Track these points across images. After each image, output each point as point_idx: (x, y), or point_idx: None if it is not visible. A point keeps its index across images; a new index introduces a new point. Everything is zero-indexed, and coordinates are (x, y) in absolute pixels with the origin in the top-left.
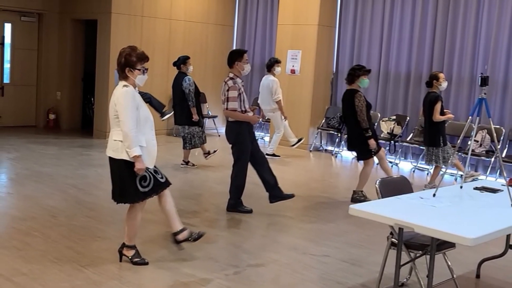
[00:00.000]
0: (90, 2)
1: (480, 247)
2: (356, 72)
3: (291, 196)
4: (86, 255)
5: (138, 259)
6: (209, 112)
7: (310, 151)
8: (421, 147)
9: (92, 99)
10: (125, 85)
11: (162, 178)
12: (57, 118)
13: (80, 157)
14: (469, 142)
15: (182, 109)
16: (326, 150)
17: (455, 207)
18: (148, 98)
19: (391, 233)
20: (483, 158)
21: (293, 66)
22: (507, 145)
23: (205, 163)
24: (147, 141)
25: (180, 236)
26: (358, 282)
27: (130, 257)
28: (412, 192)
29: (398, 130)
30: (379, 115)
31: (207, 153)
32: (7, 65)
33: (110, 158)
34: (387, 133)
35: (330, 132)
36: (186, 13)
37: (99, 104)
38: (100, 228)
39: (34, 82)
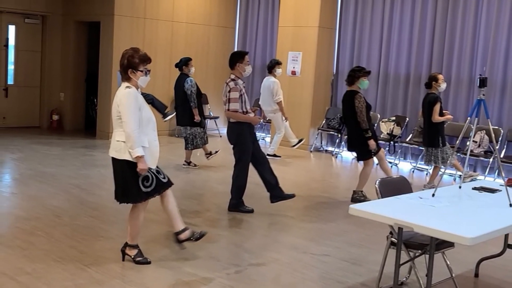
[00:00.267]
0: (93, 4)
1: (479, 247)
2: (356, 73)
3: (291, 196)
4: (89, 254)
5: (141, 258)
6: (211, 113)
7: (311, 151)
8: (421, 148)
9: (95, 100)
10: (127, 86)
11: (164, 178)
12: (61, 119)
13: (83, 157)
14: (467, 143)
15: (184, 110)
16: (326, 150)
17: (454, 207)
18: (150, 99)
19: (391, 233)
20: (481, 158)
21: (293, 67)
22: (505, 146)
23: (207, 164)
24: (150, 141)
25: (182, 236)
26: (358, 281)
27: (132, 257)
28: (412, 192)
29: (397, 130)
30: (379, 116)
31: (208, 154)
32: (11, 67)
33: (113, 159)
34: (387, 133)
35: (330, 132)
36: (188, 15)
37: (102, 105)
38: (103, 227)
39: (37, 83)
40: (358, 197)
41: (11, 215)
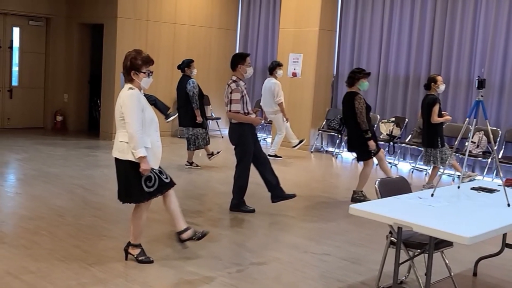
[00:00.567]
0: (97, 7)
1: (477, 246)
2: (356, 75)
3: (292, 196)
4: (92, 253)
5: (143, 258)
6: (213, 114)
7: (311, 152)
8: (420, 148)
9: (99, 101)
10: (130, 88)
11: (166, 178)
12: (64, 120)
13: (87, 158)
14: (466, 143)
15: (186, 111)
16: (326, 151)
17: (453, 207)
18: (153, 101)
19: (390, 232)
20: (480, 159)
21: (294, 69)
22: (503, 146)
23: (209, 164)
24: (152, 142)
25: (184, 235)
26: (358, 280)
27: (135, 256)
28: (411, 192)
29: (397, 131)
30: (379, 117)
31: (210, 154)
32: (15, 68)
33: (116, 159)
34: (386, 134)
35: (331, 133)
36: (190, 17)
37: (105, 106)
38: (106, 227)
39: (42, 84)
40: (358, 197)
41: (15, 215)
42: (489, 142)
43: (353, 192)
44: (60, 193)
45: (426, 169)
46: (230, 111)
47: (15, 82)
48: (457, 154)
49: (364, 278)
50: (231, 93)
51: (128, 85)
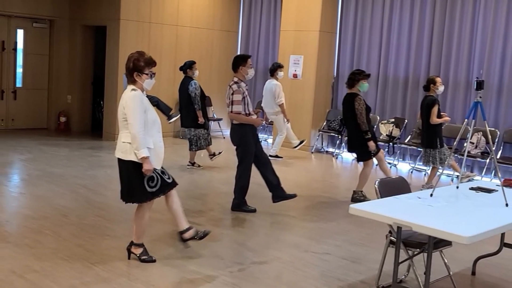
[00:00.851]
0: (100, 9)
1: (476, 245)
2: (356, 76)
3: (293, 196)
4: (95, 253)
5: (146, 257)
6: (214, 115)
7: (312, 152)
8: (419, 149)
9: (102, 102)
10: (133, 89)
11: (169, 178)
12: (68, 120)
13: (90, 158)
14: (465, 144)
15: (188, 112)
16: (327, 151)
17: (452, 207)
18: (155, 102)
19: (390, 232)
20: (478, 159)
21: (295, 70)
22: (501, 147)
23: (211, 164)
24: (155, 143)
25: (186, 235)
26: (358, 279)
27: (138, 255)
28: (410, 192)
29: (396, 132)
30: (378, 118)
31: (212, 155)
32: (19, 70)
33: (119, 160)
34: (386, 135)
35: (331, 134)
36: (192, 19)
37: (108, 107)
38: (109, 227)
39: (45, 86)
40: (358, 197)
41: (19, 215)
42: (487, 142)
43: (353, 192)
44: (63, 193)
45: (425, 170)
46: (231, 112)
47: (19, 84)
48: (456, 155)
49: (364, 277)
50: (232, 94)
51: (131, 87)
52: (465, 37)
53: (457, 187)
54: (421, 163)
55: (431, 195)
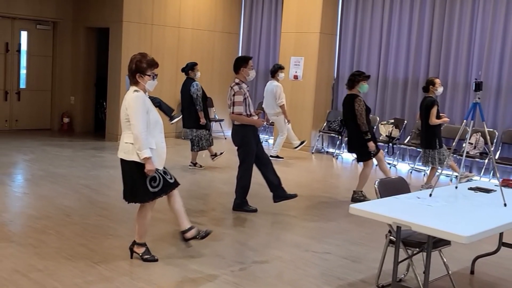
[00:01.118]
0: (103, 11)
1: (474, 245)
2: (356, 77)
3: (294, 196)
4: (98, 252)
5: (148, 256)
6: (216, 116)
7: (312, 153)
8: (418, 149)
9: (104, 103)
10: (136, 90)
11: (171, 178)
12: (71, 121)
13: (93, 158)
14: (464, 145)
15: (190, 113)
16: (327, 152)
17: (451, 207)
18: (157, 103)
19: (390, 231)
20: (477, 159)
21: (296, 72)
22: (500, 148)
23: (212, 165)
24: (157, 143)
25: (188, 234)
26: (358, 278)
27: (140, 254)
28: (410, 192)
29: (396, 133)
30: (378, 118)
31: (214, 155)
32: (23, 71)
33: (122, 160)
34: (386, 136)
35: (331, 135)
36: (194, 21)
37: (111, 108)
38: (112, 226)
39: (49, 87)
40: (358, 197)
41: (23, 214)
42: (486, 143)
43: (353, 192)
44: (67, 193)
45: (424, 170)
46: (233, 113)
47: (23, 85)
48: (454, 155)
49: (364, 276)
50: (234, 95)
51: (134, 88)
52: (464, 39)
53: (456, 187)
54: (421, 164)
55: (430, 195)
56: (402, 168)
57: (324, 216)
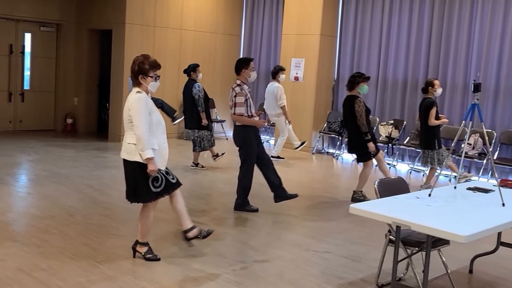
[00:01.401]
0: (106, 13)
1: (473, 244)
2: (356, 79)
3: (294, 196)
4: (101, 251)
5: (151, 255)
6: (218, 117)
7: (313, 153)
8: (417, 150)
9: (107, 104)
10: (138, 91)
11: (173, 179)
12: (74, 122)
13: (96, 159)
14: (462, 145)
15: (192, 114)
16: (327, 152)
17: (450, 206)
18: (160, 104)
19: (389, 231)
20: (475, 160)
21: (296, 73)
22: (498, 148)
23: (214, 165)
24: (159, 144)
25: (190, 234)
26: (358, 277)
27: (143, 254)
28: (409, 192)
29: (395, 133)
30: (378, 119)
31: (215, 156)
32: (27, 73)
33: (124, 160)
34: (385, 136)
35: (332, 135)
36: (196, 23)
37: (113, 109)
38: (114, 226)
39: (52, 88)
40: (358, 197)
41: (27, 214)
42: (484, 144)
43: (353, 192)
44: (70, 193)
45: (423, 170)
46: (234, 114)
47: (26, 86)
48: (453, 156)
49: (364, 275)
50: (235, 96)
51: (136, 89)
52: (463, 41)
53: (455, 187)
54: (420, 164)
55: (430, 195)
56: (402, 168)
57: (325, 215)
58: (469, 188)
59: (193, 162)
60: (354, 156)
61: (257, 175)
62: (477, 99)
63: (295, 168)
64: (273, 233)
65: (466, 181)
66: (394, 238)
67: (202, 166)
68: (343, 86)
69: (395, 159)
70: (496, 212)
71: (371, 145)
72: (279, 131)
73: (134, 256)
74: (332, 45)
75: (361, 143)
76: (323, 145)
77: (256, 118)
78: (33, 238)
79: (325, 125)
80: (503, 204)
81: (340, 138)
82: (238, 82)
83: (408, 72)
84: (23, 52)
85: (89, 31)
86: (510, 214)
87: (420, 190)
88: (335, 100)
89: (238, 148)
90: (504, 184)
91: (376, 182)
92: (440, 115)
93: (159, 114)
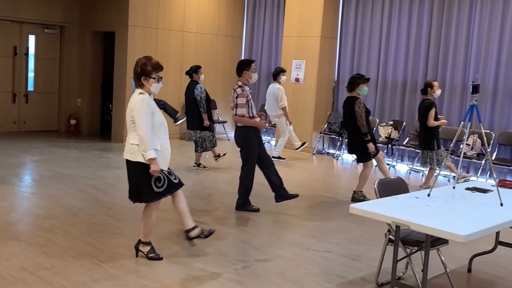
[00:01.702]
0: (109, 16)
1: (472, 243)
2: (356, 80)
3: (295, 196)
4: (104, 251)
5: (153, 255)
6: (219, 118)
7: (313, 154)
8: (417, 150)
9: (110, 105)
10: (141, 93)
11: (175, 179)
12: (78, 123)
13: (99, 159)
14: (461, 146)
15: (194, 115)
16: (328, 153)
17: (448, 206)
18: (162, 105)
19: (389, 230)
20: (474, 160)
21: (297, 75)
22: (496, 149)
23: (216, 165)
24: (162, 144)
25: (192, 233)
26: (358, 276)
27: (145, 253)
28: (408, 192)
29: (395, 134)
30: (378, 120)
31: (217, 156)
32: (31, 74)
33: (127, 161)
34: (385, 137)
35: (332, 136)
36: (198, 25)
37: (116, 110)
38: (117, 225)
39: (56, 89)
40: (358, 197)
41: (31, 214)
42: (483, 144)
43: (353, 192)
44: (73, 193)
45: (422, 170)
46: (236, 115)
47: (30, 87)
48: (452, 156)
49: (363, 274)
50: (236, 97)
51: (139, 90)
52: (461, 43)
53: (454, 187)
54: (419, 164)
55: (429, 195)
56: (401, 168)
57: (325, 215)
58: (467, 188)
59: (195, 163)
60: (354, 156)
61: (258, 176)
62: (476, 100)
63: (296, 168)
64: (274, 232)
65: (465, 181)
66: (393, 238)
67: (204, 167)
68: (343, 88)
69: (394, 159)
70: (494, 212)
71: (371, 146)
72: (280, 132)
73: (136, 255)
74: (332, 47)
75: (361, 144)
76: (323, 146)
77: (257, 119)
78: (37, 237)
79: (326, 126)
80: (501, 204)
81: (340, 139)
82: (240, 83)
83: (407, 74)
84: (27, 54)
85: (92, 33)
86: (508, 214)
87: (419, 190)
88: (335, 101)
89: (239, 148)
90: (502, 184)
91: (376, 182)
92: (439, 116)
93: (162, 115)
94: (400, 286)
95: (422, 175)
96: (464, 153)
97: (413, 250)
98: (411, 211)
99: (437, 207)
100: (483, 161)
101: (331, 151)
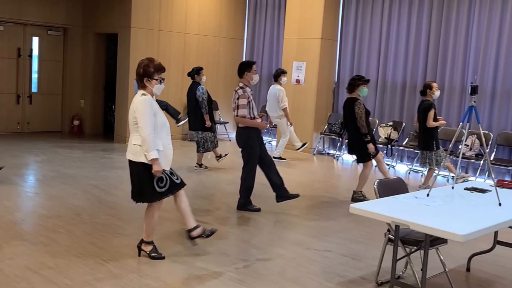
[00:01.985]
0: (111, 18)
1: (470, 243)
2: (356, 81)
3: (296, 196)
4: (107, 250)
5: (155, 254)
6: (221, 119)
7: (314, 154)
8: (416, 151)
9: (113, 106)
10: (143, 94)
11: (177, 179)
12: (81, 124)
13: (102, 160)
14: (460, 146)
15: (196, 116)
16: (328, 153)
17: (447, 206)
18: (164, 106)
19: (388, 230)
20: (473, 161)
21: (298, 76)
22: (495, 149)
23: (217, 166)
24: (164, 145)
25: (194, 233)
26: (357, 275)
27: (148, 252)
28: (408, 192)
29: (394, 135)
30: (377, 121)
31: (219, 156)
32: (35, 75)
33: (130, 161)
34: (385, 138)
35: (332, 137)
36: (200, 27)
37: (119, 111)
38: (120, 225)
39: (59, 91)
40: (358, 197)
41: (34, 214)
42: (481, 145)
43: (353, 192)
44: (76, 193)
45: (422, 171)
46: (237, 115)
47: (34, 89)
48: (451, 156)
49: (363, 273)
50: (238, 98)
51: (141, 91)
52: (460, 44)
53: (453, 188)
54: (418, 165)
55: (428, 195)
56: (401, 169)
57: (325, 215)
58: (466, 188)
59: (197, 163)
60: (354, 157)
61: (259, 176)
62: (474, 101)
63: (297, 168)
64: (275, 232)
65: (464, 181)
66: (393, 237)
67: (206, 167)
68: (343, 89)
69: (394, 160)
70: (492, 212)
71: (370, 146)
72: (281, 132)
73: (139, 255)
74: (332, 49)
75: (361, 144)
76: (323, 146)
77: (259, 120)
78: (41, 237)
79: (326, 126)
80: (500, 204)
81: (340, 140)
82: (241, 84)
83: (407, 75)
84: (31, 56)
85: (95, 35)
86: (506, 214)
87: (418, 190)
88: (335, 102)
89: (240, 149)
90: (500, 184)
91: (376, 182)
92: (438, 117)
93: (164, 116)
94: (399, 285)
95: (421, 175)
96: (463, 154)
97: (413, 250)
98: (410, 211)
99: (436, 207)
100: (481, 162)
101: (332, 151)
